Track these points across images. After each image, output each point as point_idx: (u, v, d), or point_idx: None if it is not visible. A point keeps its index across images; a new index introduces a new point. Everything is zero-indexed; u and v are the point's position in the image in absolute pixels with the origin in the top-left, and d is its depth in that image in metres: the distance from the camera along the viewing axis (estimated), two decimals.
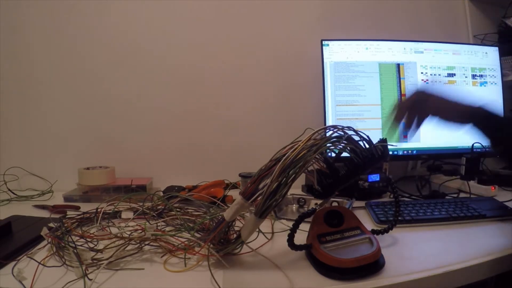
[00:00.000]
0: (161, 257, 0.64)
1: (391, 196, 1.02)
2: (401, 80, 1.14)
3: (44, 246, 0.67)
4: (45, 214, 0.90)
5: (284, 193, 0.56)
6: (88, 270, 0.56)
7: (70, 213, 0.89)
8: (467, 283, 0.61)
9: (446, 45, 1.18)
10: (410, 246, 0.70)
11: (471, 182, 1.07)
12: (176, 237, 0.68)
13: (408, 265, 0.61)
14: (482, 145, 1.13)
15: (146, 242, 0.66)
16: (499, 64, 1.20)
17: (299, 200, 0.97)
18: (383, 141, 0.63)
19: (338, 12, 1.30)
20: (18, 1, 1.13)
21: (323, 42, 1.12)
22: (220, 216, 0.64)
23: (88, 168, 1.10)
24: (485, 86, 1.18)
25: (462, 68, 1.17)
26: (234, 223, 0.65)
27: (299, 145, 0.56)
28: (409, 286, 0.56)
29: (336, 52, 1.12)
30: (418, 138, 1.14)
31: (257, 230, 0.69)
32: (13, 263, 0.60)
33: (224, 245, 0.61)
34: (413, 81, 1.14)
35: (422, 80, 1.14)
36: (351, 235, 0.62)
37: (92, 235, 0.70)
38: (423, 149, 1.14)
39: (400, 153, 1.14)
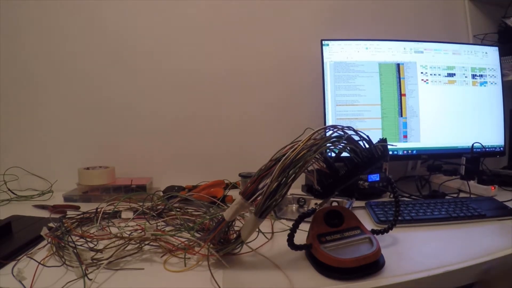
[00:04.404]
0: (161, 257, 0.64)
1: (391, 196, 1.02)
2: (401, 80, 1.14)
3: (44, 246, 0.67)
4: (45, 214, 0.90)
5: (284, 193, 0.56)
6: (88, 270, 0.56)
7: (70, 213, 0.89)
8: (467, 283, 0.61)
9: (446, 45, 1.18)
10: (410, 246, 0.70)
11: (471, 182, 1.07)
12: (176, 237, 0.68)
13: (408, 265, 0.61)
14: (482, 145, 1.13)
15: (146, 242, 0.66)
16: (499, 64, 1.20)
17: (299, 200, 0.97)
18: (383, 141, 0.63)
19: (338, 12, 1.30)
20: (19, 2, 1.13)
21: (323, 42, 1.12)
22: (220, 216, 0.64)
23: (88, 168, 1.10)
24: (485, 86, 1.18)
25: (462, 68, 1.17)
26: (234, 223, 0.65)
27: (299, 145, 0.56)
28: (409, 286, 0.56)
29: (336, 52, 1.12)
30: (418, 138, 1.14)
31: (257, 230, 0.69)
32: (13, 263, 0.60)
33: (224, 245, 0.61)
34: (413, 81, 1.14)
35: (422, 80, 1.15)
36: (351, 235, 0.62)
37: (92, 235, 0.70)
38: (423, 149, 1.14)
39: (400, 153, 1.14)
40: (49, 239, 0.66)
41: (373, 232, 0.69)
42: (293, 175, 0.55)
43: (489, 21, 1.43)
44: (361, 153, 0.60)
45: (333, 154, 0.65)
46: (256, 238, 0.70)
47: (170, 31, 1.21)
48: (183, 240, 0.66)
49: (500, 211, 0.87)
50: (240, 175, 1.06)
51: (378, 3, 1.33)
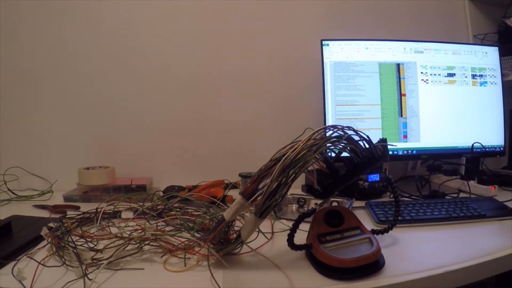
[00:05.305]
0: (161, 257, 0.64)
1: (391, 196, 1.02)
2: (401, 80, 1.14)
3: (44, 246, 0.67)
4: (45, 214, 0.90)
5: (284, 193, 0.56)
6: (88, 270, 0.56)
7: (70, 213, 0.89)
8: (467, 283, 0.61)
9: (446, 45, 1.18)
10: (410, 246, 0.70)
11: (471, 182, 1.07)
12: (176, 237, 0.68)
13: (408, 265, 0.61)
14: (482, 145, 1.13)
15: (146, 242, 0.66)
16: (499, 64, 1.20)
17: (299, 200, 0.97)
18: (383, 141, 0.63)
19: (338, 12, 1.30)
20: (19, 2, 1.13)
21: (323, 42, 1.12)
22: (220, 216, 0.64)
23: (88, 168, 1.10)
24: (485, 86, 1.18)
25: (462, 68, 1.17)
26: (234, 223, 0.65)
27: (299, 145, 0.56)
28: (409, 286, 0.56)
29: (336, 52, 1.12)
30: (418, 138, 1.14)
31: (257, 230, 0.69)
32: (13, 263, 0.59)
33: (224, 245, 0.61)
34: (413, 81, 1.14)
35: (422, 80, 1.15)
36: (351, 235, 0.62)
37: (92, 235, 0.70)
38: (423, 149, 1.14)
39: (400, 153, 1.14)
40: (49, 239, 0.66)
41: (373, 232, 0.69)
42: (293, 175, 0.55)
43: (489, 21, 1.43)
44: (361, 153, 0.60)
45: (333, 154, 0.65)
46: (256, 238, 0.70)
47: (171, 31, 1.21)
48: (183, 240, 0.66)
49: (500, 211, 0.87)
50: (240, 175, 1.06)
51: (378, 3, 1.33)
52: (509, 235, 0.74)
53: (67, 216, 0.85)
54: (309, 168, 0.59)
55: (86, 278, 0.53)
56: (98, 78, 1.19)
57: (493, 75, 1.19)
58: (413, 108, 1.14)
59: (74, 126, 1.20)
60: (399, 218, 0.71)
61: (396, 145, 1.12)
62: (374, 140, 0.62)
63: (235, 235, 0.63)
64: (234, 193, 0.89)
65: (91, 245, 0.66)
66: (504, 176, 1.17)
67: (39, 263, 0.58)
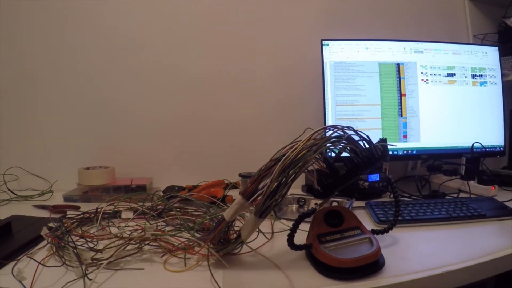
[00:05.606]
0: (161, 257, 0.64)
1: (391, 196, 1.02)
2: (401, 80, 1.14)
3: (44, 246, 0.67)
4: (45, 214, 0.90)
5: (284, 193, 0.56)
6: (88, 270, 0.56)
7: (70, 213, 0.89)
8: (467, 283, 0.61)
9: (446, 45, 1.18)
10: (410, 246, 0.70)
11: (471, 182, 1.07)
12: (176, 237, 0.68)
13: (408, 265, 0.61)
14: (482, 145, 1.13)
15: (146, 242, 0.66)
16: (499, 64, 1.20)
17: (299, 200, 0.97)
18: (383, 141, 0.63)
19: (338, 12, 1.30)
20: (19, 2, 1.13)
21: (323, 42, 1.12)
22: (220, 216, 0.64)
23: (88, 168, 1.10)
24: (485, 86, 1.18)
25: (462, 68, 1.17)
26: (234, 223, 0.65)
27: (299, 145, 0.56)
28: (409, 286, 0.56)
29: (336, 52, 1.12)
30: (418, 138, 1.14)
31: (257, 230, 0.69)
32: (13, 263, 0.59)
33: (224, 245, 0.61)
34: (413, 81, 1.14)
35: (422, 80, 1.15)
36: (351, 235, 0.62)
37: (92, 235, 0.70)
38: (423, 149, 1.14)
39: (400, 153, 1.14)
40: (49, 239, 0.66)
41: (373, 232, 0.69)
42: (293, 175, 0.55)
43: (489, 21, 1.43)
44: (361, 153, 0.60)
45: (333, 154, 0.65)
46: (256, 238, 0.70)
47: (171, 31, 1.21)
48: (183, 240, 0.66)
49: (500, 211, 0.87)
50: (240, 175, 1.06)
51: (378, 3, 1.33)
52: (509, 235, 0.74)
53: (67, 216, 0.85)
54: (309, 168, 0.59)
55: (86, 278, 0.53)
56: (98, 78, 1.19)
57: (493, 75, 1.19)
58: (413, 108, 1.14)
59: (74, 126, 1.20)
60: (399, 218, 0.71)
61: (396, 145, 1.12)
62: (374, 140, 0.62)
63: (235, 235, 0.63)
64: (234, 193, 0.89)
65: (91, 245, 0.66)
66: (504, 176, 1.17)
67: (39, 263, 0.58)
